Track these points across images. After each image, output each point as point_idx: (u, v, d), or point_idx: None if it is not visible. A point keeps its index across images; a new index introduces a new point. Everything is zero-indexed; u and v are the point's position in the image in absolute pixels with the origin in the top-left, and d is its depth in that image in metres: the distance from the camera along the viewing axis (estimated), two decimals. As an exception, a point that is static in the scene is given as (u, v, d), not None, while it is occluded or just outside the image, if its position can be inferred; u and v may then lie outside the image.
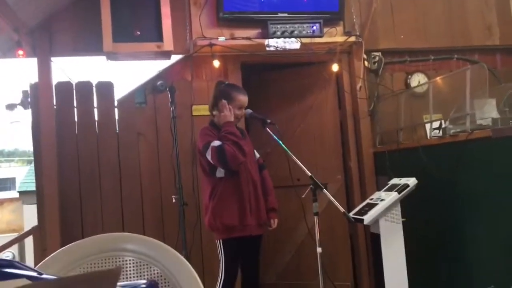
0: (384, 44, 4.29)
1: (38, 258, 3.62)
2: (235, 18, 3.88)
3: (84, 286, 0.65)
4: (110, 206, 3.76)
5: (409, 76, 4.35)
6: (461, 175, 3.08)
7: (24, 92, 3.75)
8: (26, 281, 0.75)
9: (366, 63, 4.20)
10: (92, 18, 3.59)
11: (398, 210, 3.16)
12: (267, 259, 4.29)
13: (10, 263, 0.80)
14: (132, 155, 3.84)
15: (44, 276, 0.81)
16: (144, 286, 0.94)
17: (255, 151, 3.24)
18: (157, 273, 1.45)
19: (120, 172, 3.81)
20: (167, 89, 3.40)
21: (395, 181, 3.34)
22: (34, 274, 0.81)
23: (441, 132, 3.32)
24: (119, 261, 1.46)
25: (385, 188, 3.32)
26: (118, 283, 0.86)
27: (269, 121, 3.01)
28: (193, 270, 1.46)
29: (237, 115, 3.03)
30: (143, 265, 1.47)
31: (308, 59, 4.06)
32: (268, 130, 3.00)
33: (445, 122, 3.30)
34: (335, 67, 4.17)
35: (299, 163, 2.83)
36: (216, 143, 2.85)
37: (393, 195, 3.12)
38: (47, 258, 1.42)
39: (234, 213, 2.91)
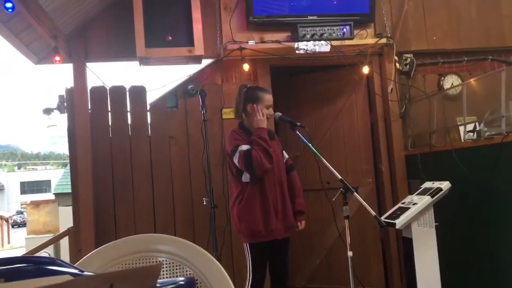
0: (416, 45, 4.22)
1: (73, 259, 3.72)
2: (265, 22, 3.90)
3: (126, 282, 0.68)
4: (142, 208, 3.83)
5: (442, 78, 4.27)
6: (496, 179, 3.00)
7: (60, 97, 3.87)
8: (69, 277, 0.79)
9: (397, 65, 4.15)
10: (125, 24, 3.69)
11: (431, 214, 3.10)
12: (297, 263, 4.28)
13: (53, 261, 0.84)
14: (164, 158, 3.90)
15: (85, 273, 0.84)
16: (182, 283, 0.96)
17: (283, 152, 3.23)
18: (189, 273, 1.48)
19: (152, 174, 3.88)
20: (198, 93, 3.46)
21: (427, 184, 3.28)
22: (76, 271, 0.85)
23: (475, 134, 3.24)
24: (152, 262, 1.49)
25: (417, 192, 3.27)
26: (156, 281, 0.88)
27: (298, 124, 3.00)
28: (224, 271, 1.48)
29: (266, 114, 3.05)
30: (176, 265, 1.49)
31: (338, 61, 4.03)
32: (298, 133, 3.00)
33: (479, 125, 3.23)
34: (365, 69, 4.13)
35: (329, 166, 2.81)
36: (245, 147, 2.86)
37: (426, 199, 3.06)
38: (82, 259, 1.45)
39: (259, 218, 2.90)
